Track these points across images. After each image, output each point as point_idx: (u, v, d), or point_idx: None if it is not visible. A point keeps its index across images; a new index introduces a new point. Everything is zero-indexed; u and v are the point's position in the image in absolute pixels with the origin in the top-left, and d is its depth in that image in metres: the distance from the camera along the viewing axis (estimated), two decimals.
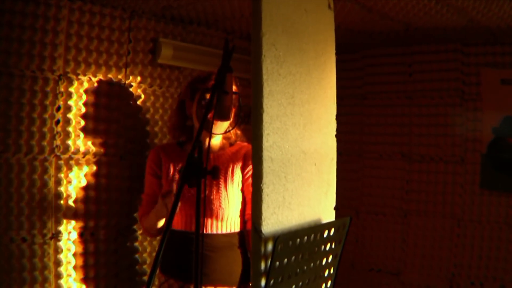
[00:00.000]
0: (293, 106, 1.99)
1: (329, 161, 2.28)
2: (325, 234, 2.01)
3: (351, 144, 4.16)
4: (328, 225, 2.05)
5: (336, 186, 2.34)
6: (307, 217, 2.06)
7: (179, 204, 2.49)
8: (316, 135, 2.17)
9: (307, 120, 2.09)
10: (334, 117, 2.35)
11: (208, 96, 2.56)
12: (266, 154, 1.82)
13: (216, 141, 2.69)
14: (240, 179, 2.63)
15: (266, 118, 1.82)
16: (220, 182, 2.58)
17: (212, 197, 2.55)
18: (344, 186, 4.12)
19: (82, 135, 2.85)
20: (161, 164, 2.69)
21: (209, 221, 2.55)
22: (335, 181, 2.33)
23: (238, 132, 2.77)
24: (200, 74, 2.70)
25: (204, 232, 2.54)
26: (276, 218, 1.87)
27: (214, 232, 2.56)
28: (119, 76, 3.02)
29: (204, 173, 1.88)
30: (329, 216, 2.25)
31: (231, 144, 2.74)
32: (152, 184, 2.72)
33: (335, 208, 2.30)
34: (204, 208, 2.47)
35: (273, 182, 1.85)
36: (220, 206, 2.55)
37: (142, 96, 3.15)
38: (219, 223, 2.57)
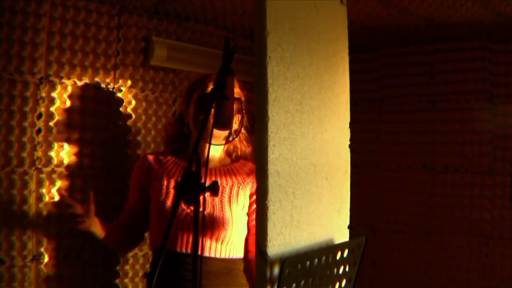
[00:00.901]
0: (301, 113, 2.00)
1: (342, 175, 2.29)
2: (338, 256, 2.01)
3: (367, 154, 4.17)
4: (342, 246, 2.05)
5: (350, 202, 2.34)
6: (318, 237, 2.07)
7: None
8: (328, 146, 2.18)
9: (318, 129, 2.10)
10: (348, 125, 2.36)
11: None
12: (271, 167, 1.83)
13: (216, 152, 2.68)
14: (247, 202, 2.62)
15: (271, 127, 1.84)
16: (224, 200, 2.55)
17: (215, 215, 2.52)
18: (359, 202, 4.10)
19: (66, 145, 2.86)
20: (150, 175, 2.66)
21: (208, 242, 2.50)
22: (349, 196, 2.33)
23: (245, 148, 2.74)
24: (198, 78, 2.72)
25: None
26: (283, 239, 1.87)
27: (212, 255, 2.51)
28: (107, 80, 3.04)
29: (202, 188, 1.88)
30: (342, 235, 2.25)
31: (234, 160, 2.73)
32: (134, 196, 2.72)
33: (349, 227, 2.31)
34: (203, 227, 2.46)
35: (279, 198, 1.86)
36: (223, 226, 2.50)
37: (133, 101, 3.16)
38: (219, 246, 2.52)
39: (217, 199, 2.55)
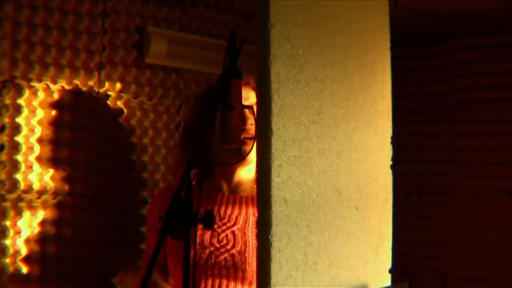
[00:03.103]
0: (320, 125, 2.03)
1: (380, 204, 2.31)
2: None
3: (434, 178, 4.16)
4: None
5: (393, 239, 2.36)
6: (344, 283, 2.09)
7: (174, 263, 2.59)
8: (359, 167, 2.20)
9: (344, 145, 2.14)
10: (389, 139, 2.38)
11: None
12: (276, 193, 1.86)
13: (246, 175, 2.77)
14: None
15: (276, 143, 1.87)
16: (247, 233, 2.64)
17: (246, 254, 2.60)
18: (423, 240, 4.13)
19: (36, 166, 2.90)
20: None
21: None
22: (390, 232, 2.35)
23: None
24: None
25: None
26: (294, 283, 1.89)
27: None
28: (90, 83, 3.08)
29: (192, 220, 1.94)
30: (380, 281, 2.27)
31: None
32: (153, 241, 2.77)
33: (390, 271, 2.32)
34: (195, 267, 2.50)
35: (288, 233, 1.89)
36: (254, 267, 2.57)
37: (124, 111, 3.22)
38: None
39: (250, 234, 2.63)
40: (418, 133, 4.23)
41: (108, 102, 3.18)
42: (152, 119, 3.34)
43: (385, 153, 2.35)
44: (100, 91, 3.14)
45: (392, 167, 2.38)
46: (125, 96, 3.24)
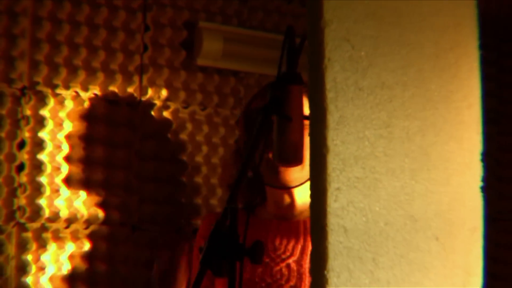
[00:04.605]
0: (389, 140, 2.05)
1: (467, 233, 2.29)
2: None
3: None
4: None
5: (485, 273, 2.34)
6: None
7: None
8: (440, 189, 2.20)
9: (420, 164, 2.14)
10: (478, 155, 2.36)
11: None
12: (334, 221, 1.89)
13: (302, 195, 2.80)
14: None
15: (333, 162, 1.90)
16: (304, 265, 2.68)
17: None
18: None
19: (64, 190, 2.96)
20: None
21: None
22: (480, 266, 2.33)
23: None
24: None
25: None
26: None
27: None
28: (129, 89, 3.15)
29: (238, 253, 1.97)
30: None
31: None
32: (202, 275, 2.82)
33: None
34: None
35: (348, 267, 1.91)
36: None
37: (172, 123, 3.26)
38: None
39: (308, 267, 2.66)
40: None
41: (152, 113, 3.20)
42: (206, 132, 3.38)
43: (473, 172, 2.32)
44: (142, 99, 3.18)
45: (483, 188, 2.36)
46: (172, 105, 3.29)
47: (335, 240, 1.89)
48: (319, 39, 1.89)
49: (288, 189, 2.72)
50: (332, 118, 1.89)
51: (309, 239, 2.66)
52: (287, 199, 2.76)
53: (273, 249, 2.68)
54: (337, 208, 1.90)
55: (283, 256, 2.67)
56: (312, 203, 1.90)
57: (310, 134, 1.92)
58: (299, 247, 2.69)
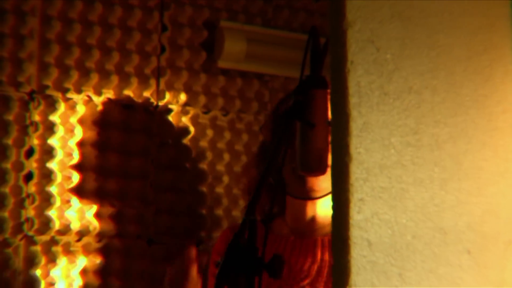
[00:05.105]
0: (417, 148, 2.05)
1: (501, 247, 2.28)
2: None
3: None
4: None
5: None
6: None
7: None
8: (472, 200, 2.20)
9: (451, 173, 2.14)
10: None
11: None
12: (357, 234, 1.89)
13: (322, 210, 2.81)
14: None
15: (357, 171, 1.90)
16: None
17: None
18: None
19: (75, 200, 2.97)
20: None
21: None
22: None
23: None
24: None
25: None
26: None
27: None
28: (145, 94, 3.16)
29: (256, 267, 1.97)
30: None
31: None
32: None
33: None
34: None
35: (372, 283, 1.91)
36: None
37: (191, 129, 3.28)
38: None
39: (317, 284, 2.67)
40: None
41: (170, 118, 3.22)
42: (228, 139, 3.38)
43: (508, 181, 2.31)
44: (159, 104, 3.19)
45: None
46: (191, 111, 3.29)
47: (358, 254, 1.89)
48: (342, 40, 1.89)
49: (312, 199, 2.72)
50: (355, 125, 1.90)
51: (326, 258, 2.67)
52: (308, 211, 2.76)
53: (288, 269, 2.69)
54: (360, 220, 1.90)
55: (298, 278, 2.68)
56: (334, 215, 1.91)
57: (332, 142, 1.94)
58: (315, 267, 2.69)
